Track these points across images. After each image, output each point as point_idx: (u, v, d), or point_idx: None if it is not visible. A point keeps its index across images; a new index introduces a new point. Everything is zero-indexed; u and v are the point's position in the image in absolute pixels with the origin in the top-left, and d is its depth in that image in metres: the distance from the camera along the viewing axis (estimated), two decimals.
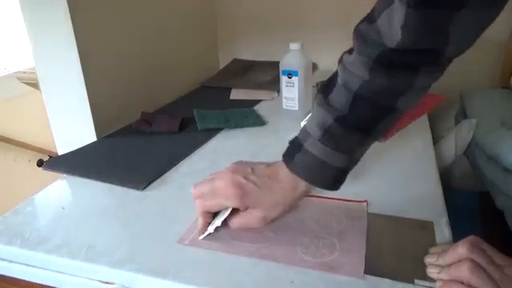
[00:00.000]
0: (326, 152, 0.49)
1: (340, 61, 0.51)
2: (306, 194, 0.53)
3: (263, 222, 0.52)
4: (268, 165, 0.53)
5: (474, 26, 0.42)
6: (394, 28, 0.44)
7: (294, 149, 0.52)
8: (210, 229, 0.53)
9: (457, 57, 0.47)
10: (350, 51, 0.50)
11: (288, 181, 0.51)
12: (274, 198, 0.51)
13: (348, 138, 0.49)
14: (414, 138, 0.85)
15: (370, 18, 0.47)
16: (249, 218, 0.52)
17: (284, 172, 0.51)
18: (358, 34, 0.48)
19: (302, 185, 0.51)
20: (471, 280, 0.40)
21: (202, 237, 0.54)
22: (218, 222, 0.53)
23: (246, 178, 0.51)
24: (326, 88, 0.52)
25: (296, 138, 0.53)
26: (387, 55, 0.46)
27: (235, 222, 0.53)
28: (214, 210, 0.54)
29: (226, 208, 0.53)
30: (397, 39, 0.44)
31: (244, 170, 0.52)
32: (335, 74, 0.52)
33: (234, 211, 0.53)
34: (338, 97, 0.50)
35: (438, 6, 0.39)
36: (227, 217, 0.53)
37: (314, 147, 0.50)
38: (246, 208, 0.52)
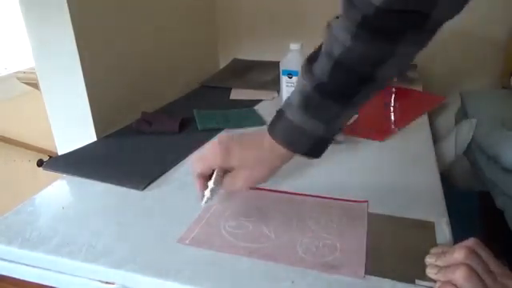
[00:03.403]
0: (304, 119, 0.51)
1: (328, 25, 0.50)
2: (289, 158, 0.54)
3: (248, 181, 0.54)
4: (256, 131, 0.56)
5: None
6: None
7: (277, 117, 0.54)
8: (207, 193, 0.54)
9: (444, 22, 0.45)
10: (338, 16, 0.50)
11: (270, 144, 0.53)
12: (257, 156, 0.53)
13: (325, 107, 0.50)
14: (414, 138, 0.85)
15: None
16: (235, 178, 0.54)
17: (268, 138, 0.53)
18: None
19: (283, 149, 0.53)
20: (465, 286, 0.40)
21: (202, 203, 0.55)
22: (210, 183, 0.54)
23: (230, 138, 0.54)
24: (312, 56, 0.52)
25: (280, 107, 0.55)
26: (371, 18, 0.44)
27: (224, 182, 0.54)
28: (206, 172, 0.55)
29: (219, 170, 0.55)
30: None
31: (230, 135, 0.56)
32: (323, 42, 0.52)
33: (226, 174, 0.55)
34: (321, 65, 0.50)
35: None
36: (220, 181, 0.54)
37: (293, 114, 0.52)
38: (233, 168, 0.53)
